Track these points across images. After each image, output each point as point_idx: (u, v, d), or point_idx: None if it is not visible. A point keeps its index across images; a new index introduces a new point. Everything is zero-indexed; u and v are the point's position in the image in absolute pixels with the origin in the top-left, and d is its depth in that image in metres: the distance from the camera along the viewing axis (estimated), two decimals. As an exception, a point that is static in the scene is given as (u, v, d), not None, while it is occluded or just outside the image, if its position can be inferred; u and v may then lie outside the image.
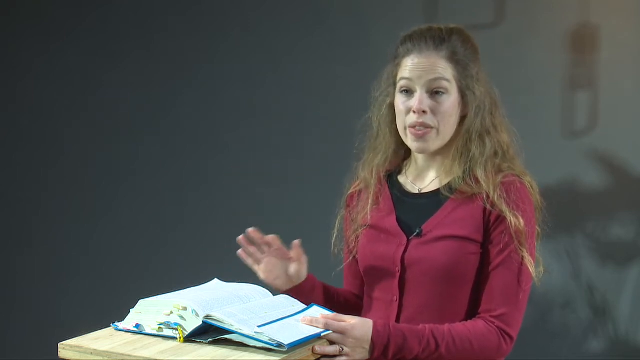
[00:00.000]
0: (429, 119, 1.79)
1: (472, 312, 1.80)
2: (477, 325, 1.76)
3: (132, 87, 3.68)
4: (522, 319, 1.80)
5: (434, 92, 1.79)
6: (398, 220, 1.86)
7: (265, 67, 3.49)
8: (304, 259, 1.92)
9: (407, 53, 1.82)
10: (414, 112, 1.80)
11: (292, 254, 1.91)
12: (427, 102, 1.79)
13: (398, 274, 1.81)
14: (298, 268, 1.91)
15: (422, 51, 1.80)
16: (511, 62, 3.15)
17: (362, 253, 1.90)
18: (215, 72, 3.57)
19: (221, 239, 3.57)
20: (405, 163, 1.95)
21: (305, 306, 1.77)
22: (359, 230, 1.92)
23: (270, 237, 1.91)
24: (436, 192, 1.85)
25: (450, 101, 1.80)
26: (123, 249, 3.72)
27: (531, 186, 1.84)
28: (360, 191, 1.97)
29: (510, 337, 1.77)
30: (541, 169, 3.09)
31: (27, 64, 3.84)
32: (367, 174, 1.95)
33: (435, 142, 1.82)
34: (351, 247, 1.95)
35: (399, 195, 1.90)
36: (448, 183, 1.84)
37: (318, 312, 1.72)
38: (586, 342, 3.12)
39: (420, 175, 1.90)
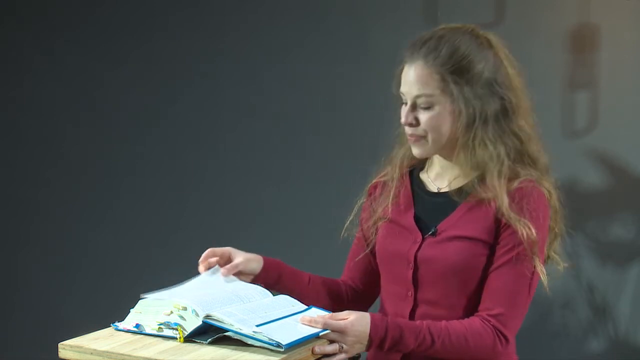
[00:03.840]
0: (418, 130, 1.82)
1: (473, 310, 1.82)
2: (473, 322, 1.77)
3: (132, 86, 3.68)
4: (520, 322, 1.81)
5: (420, 106, 1.81)
6: (416, 217, 1.88)
7: (265, 67, 3.49)
8: (235, 264, 1.90)
9: (404, 62, 1.85)
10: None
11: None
12: (411, 116, 1.82)
13: (411, 270, 1.84)
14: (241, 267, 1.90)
15: (413, 62, 1.81)
16: (511, 62, 3.15)
17: (380, 246, 1.93)
18: (215, 72, 3.57)
19: (221, 238, 3.57)
20: (428, 160, 1.96)
21: (305, 307, 1.77)
22: (379, 223, 1.94)
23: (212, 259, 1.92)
24: (464, 186, 1.86)
25: (435, 114, 1.80)
26: (123, 248, 3.72)
27: (549, 192, 1.84)
28: (384, 182, 1.99)
29: (506, 338, 1.78)
30: (541, 169, 3.10)
31: (27, 64, 3.84)
32: (392, 167, 1.97)
33: (431, 149, 1.84)
34: (369, 238, 1.97)
35: (419, 192, 1.92)
36: (460, 187, 1.85)
37: (317, 313, 1.73)
38: (586, 342, 3.12)
39: (440, 174, 1.91)
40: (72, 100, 3.78)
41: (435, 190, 1.90)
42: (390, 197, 1.93)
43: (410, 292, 1.84)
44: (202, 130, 3.61)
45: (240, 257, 1.91)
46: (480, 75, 1.80)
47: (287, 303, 1.78)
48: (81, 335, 1.66)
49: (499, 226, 1.79)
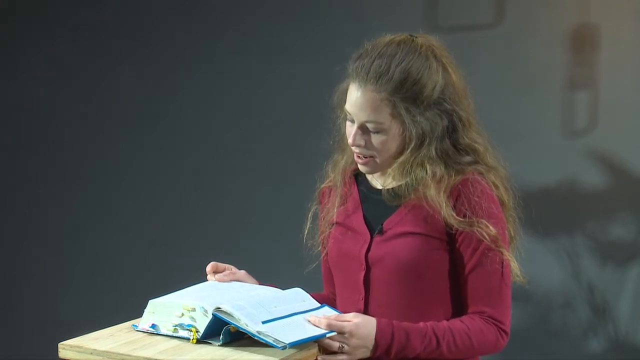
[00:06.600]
0: (365, 150, 1.79)
1: (446, 311, 1.80)
2: (474, 321, 1.76)
3: (132, 87, 3.69)
4: (510, 312, 1.80)
5: (369, 129, 1.78)
6: (364, 217, 1.86)
7: (264, 67, 3.49)
8: (233, 272, 1.89)
9: (353, 78, 1.81)
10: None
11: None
12: (360, 138, 1.78)
13: (363, 272, 1.81)
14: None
15: (363, 85, 1.77)
16: (511, 62, 3.15)
17: (331, 251, 1.90)
18: (215, 72, 3.57)
19: (221, 238, 3.59)
20: None
21: (317, 304, 1.75)
22: (327, 231, 1.92)
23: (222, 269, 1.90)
24: (397, 189, 1.83)
25: (385, 138, 1.77)
26: (123, 248, 3.72)
27: (493, 184, 1.80)
28: (331, 188, 1.97)
29: (506, 333, 1.78)
30: (541, 169, 3.11)
31: (27, 63, 3.84)
32: (335, 174, 1.95)
33: (378, 167, 1.82)
34: (324, 244, 1.94)
35: (366, 192, 1.89)
36: (400, 186, 1.81)
37: (327, 312, 1.71)
38: (586, 342, 3.12)
39: (384, 172, 1.87)
40: (72, 100, 3.78)
41: (380, 187, 1.86)
42: (337, 204, 1.91)
43: (362, 296, 1.81)
44: (202, 130, 3.61)
45: (241, 271, 1.90)
46: (430, 98, 1.76)
47: (298, 297, 1.75)
48: (81, 335, 1.66)
49: (451, 227, 1.75)
